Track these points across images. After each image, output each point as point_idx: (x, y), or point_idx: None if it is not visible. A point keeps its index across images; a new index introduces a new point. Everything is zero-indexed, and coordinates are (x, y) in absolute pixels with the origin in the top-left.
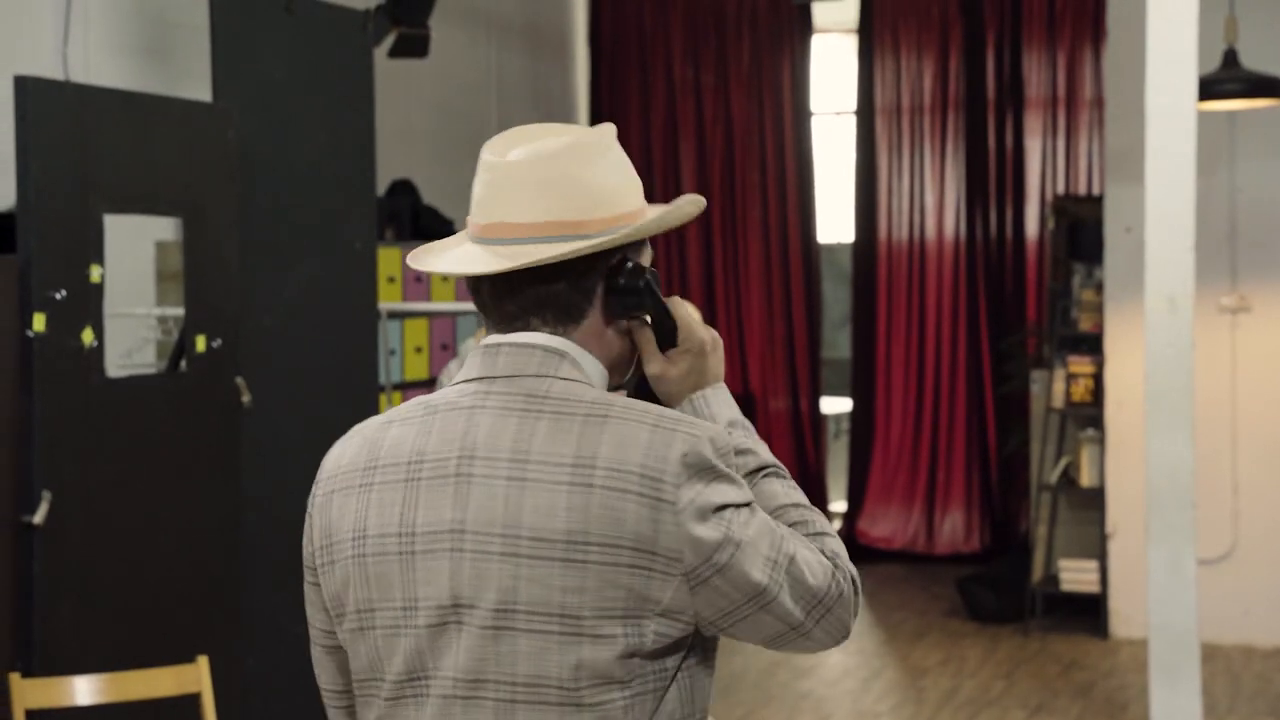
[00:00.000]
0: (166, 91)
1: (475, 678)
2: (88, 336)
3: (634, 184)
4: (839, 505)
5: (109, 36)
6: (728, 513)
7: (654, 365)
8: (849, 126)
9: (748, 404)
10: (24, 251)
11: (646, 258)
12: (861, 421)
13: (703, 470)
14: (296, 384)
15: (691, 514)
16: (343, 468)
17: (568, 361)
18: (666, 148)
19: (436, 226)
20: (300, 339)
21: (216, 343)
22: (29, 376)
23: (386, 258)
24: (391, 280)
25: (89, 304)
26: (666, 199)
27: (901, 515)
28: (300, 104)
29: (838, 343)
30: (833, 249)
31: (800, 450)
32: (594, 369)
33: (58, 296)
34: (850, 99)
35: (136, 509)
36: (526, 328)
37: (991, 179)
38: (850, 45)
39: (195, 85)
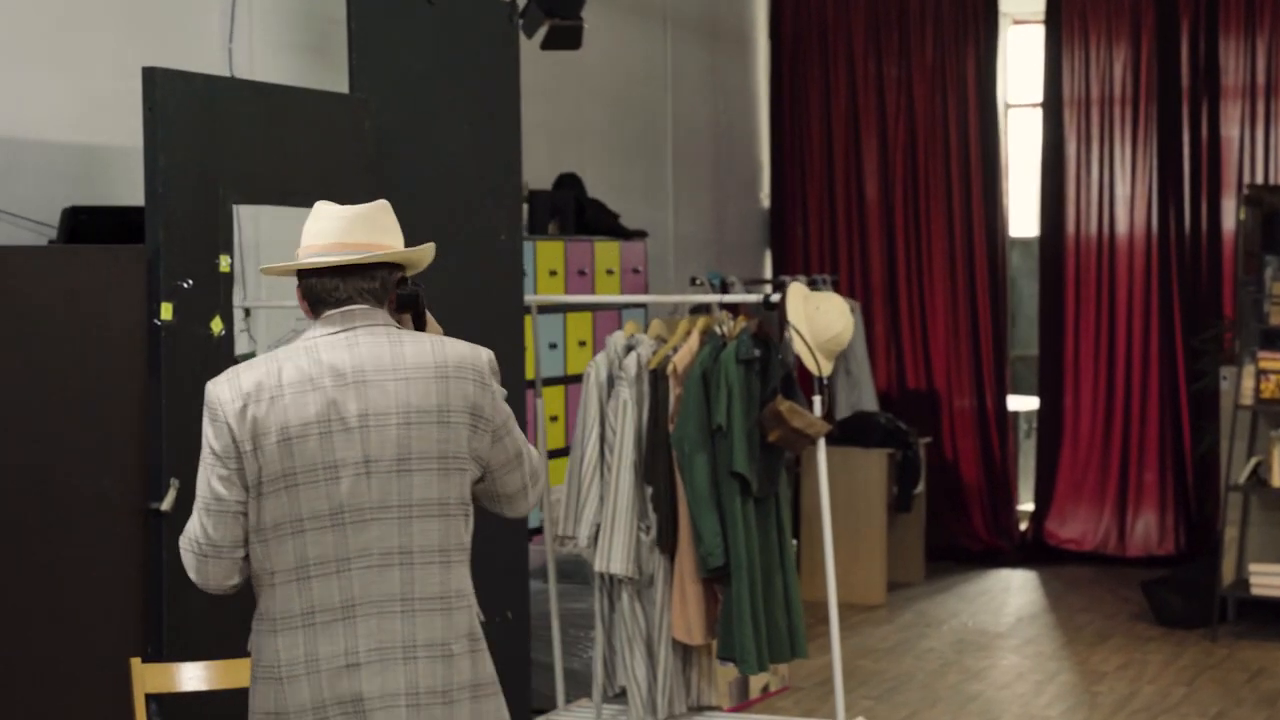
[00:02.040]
0: (330, 87)
1: (382, 504)
2: (217, 325)
3: (400, 234)
4: (1027, 505)
5: (273, 33)
6: (506, 406)
7: None
8: (1037, 118)
9: (932, 402)
10: (152, 241)
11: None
12: (1049, 420)
13: (496, 371)
14: None
15: (498, 394)
16: (248, 391)
17: (392, 324)
18: (848, 142)
19: (602, 219)
20: (443, 332)
21: None
22: (156, 365)
23: (548, 251)
24: (553, 274)
25: (218, 293)
26: (847, 194)
27: (1091, 516)
28: (443, 96)
29: (1031, 339)
30: (1028, 243)
31: (986, 449)
32: None
33: (185, 286)
34: (1038, 90)
35: None
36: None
37: (1185, 170)
38: (1038, 35)
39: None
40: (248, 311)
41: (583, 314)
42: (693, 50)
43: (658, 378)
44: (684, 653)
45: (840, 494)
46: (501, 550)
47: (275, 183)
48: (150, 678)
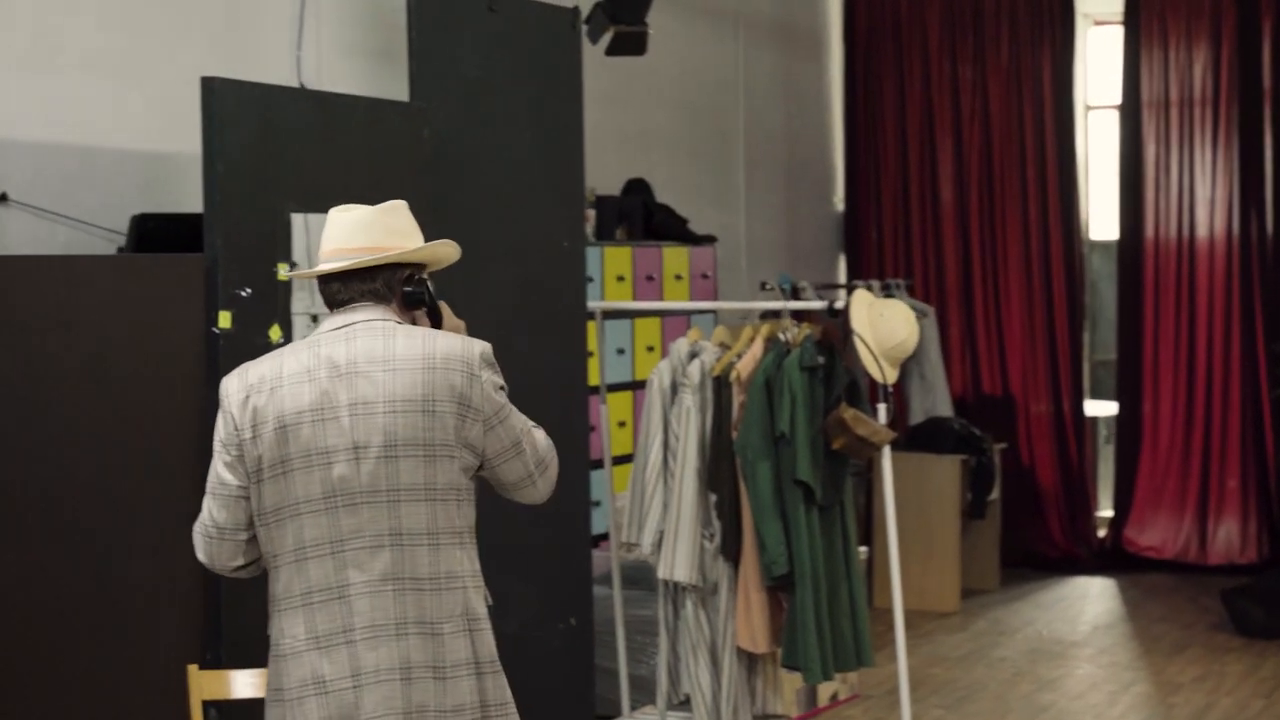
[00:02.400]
0: (396, 93)
1: (372, 489)
2: (275, 333)
3: (416, 232)
4: (1106, 511)
5: (340, 40)
6: (502, 393)
7: None
8: (1115, 120)
9: (1008, 407)
10: (210, 250)
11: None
12: (1128, 425)
13: (489, 363)
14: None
15: (489, 385)
16: (252, 384)
17: (392, 320)
18: (923, 144)
19: (670, 224)
20: (505, 338)
21: None
22: (215, 373)
23: (615, 256)
24: (620, 279)
25: (276, 301)
26: (922, 197)
27: (1171, 523)
28: (504, 102)
29: (1113, 343)
30: (1108, 246)
31: (1063, 454)
32: None
33: (243, 294)
34: (1116, 92)
35: None
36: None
37: (1268, 173)
38: (1116, 36)
39: None
40: (315, 318)
41: (651, 319)
42: (765, 53)
43: (721, 384)
44: (749, 661)
45: (913, 500)
46: (564, 557)
47: (332, 191)
48: (207, 684)
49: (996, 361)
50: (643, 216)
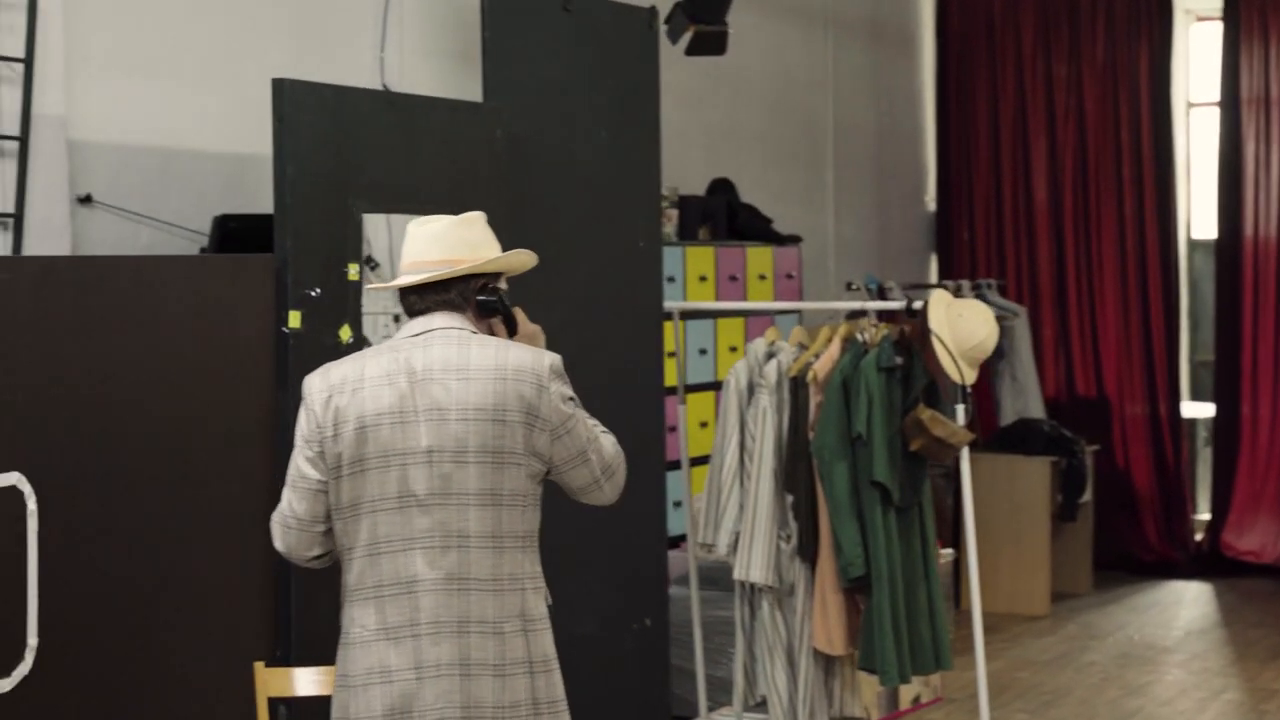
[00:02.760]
0: (477, 96)
1: (444, 492)
2: (345, 333)
3: (492, 243)
4: (1204, 515)
5: (422, 42)
6: (571, 403)
7: None
8: (1215, 118)
9: (1102, 408)
10: (280, 250)
11: (502, 283)
12: (1226, 427)
13: (559, 375)
14: (575, 384)
15: (556, 397)
16: (334, 384)
17: (467, 328)
18: (1015, 142)
19: (754, 225)
20: (580, 339)
21: None
22: (284, 373)
23: (698, 256)
24: (703, 279)
25: (347, 301)
26: (1015, 196)
27: (1271, 527)
28: (580, 103)
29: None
30: (1209, 246)
31: (1159, 457)
32: None
33: (313, 294)
34: (1215, 89)
35: None
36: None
37: None
38: (1216, 32)
39: None
40: (396, 318)
41: (734, 320)
42: (855, 52)
43: (798, 385)
44: (826, 662)
45: (1002, 503)
46: (640, 558)
47: (404, 191)
48: (273, 681)
49: (1091, 362)
50: (727, 216)
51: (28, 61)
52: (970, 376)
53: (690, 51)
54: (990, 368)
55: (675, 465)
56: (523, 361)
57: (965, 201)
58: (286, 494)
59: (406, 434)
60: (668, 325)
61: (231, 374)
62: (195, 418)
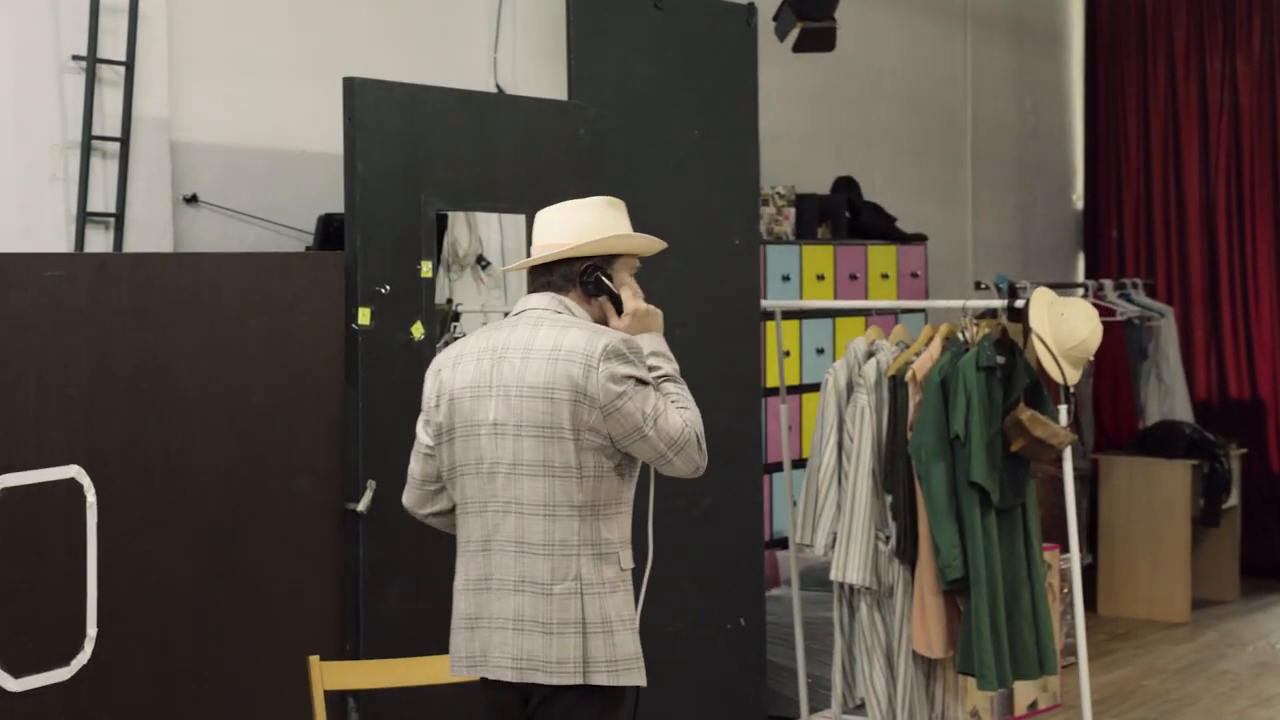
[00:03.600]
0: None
1: (506, 462)
2: (418, 330)
3: (601, 227)
4: None
5: (536, 42)
6: (627, 382)
7: (613, 322)
8: None
9: (1256, 411)
10: (350, 248)
11: (620, 265)
12: None
13: (613, 355)
14: None
15: (604, 376)
16: (446, 358)
17: (565, 309)
18: (1167, 139)
19: (877, 223)
20: (673, 338)
21: None
22: (353, 369)
23: (815, 255)
24: (821, 278)
25: (420, 298)
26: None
27: None
28: (671, 101)
29: None
30: None
31: None
32: (584, 316)
33: (383, 291)
34: None
35: None
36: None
37: None
38: None
39: None
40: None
41: (854, 319)
42: (996, 48)
43: (897, 384)
44: (927, 666)
45: (1140, 507)
46: (736, 558)
47: (480, 189)
48: (339, 675)
49: (1244, 364)
50: (850, 214)
51: (129, 64)
52: (1073, 376)
53: (798, 48)
54: (1134, 369)
55: (776, 467)
56: (576, 343)
57: (1114, 199)
58: (412, 456)
59: (480, 407)
60: (769, 324)
61: (301, 370)
62: (262, 413)
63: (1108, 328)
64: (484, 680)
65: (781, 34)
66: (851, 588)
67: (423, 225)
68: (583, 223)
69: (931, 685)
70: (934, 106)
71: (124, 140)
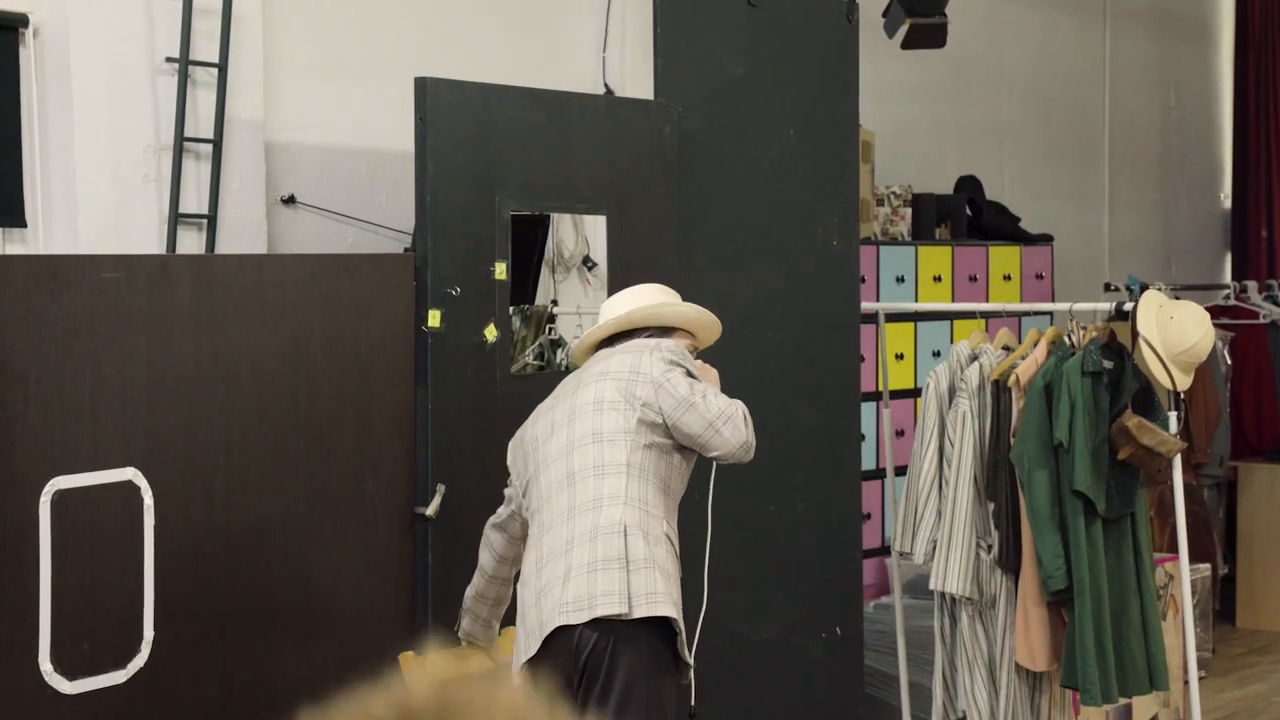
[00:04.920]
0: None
1: (568, 444)
2: (490, 333)
3: (655, 302)
4: None
5: (644, 41)
6: (678, 368)
7: None
8: None
9: None
10: (420, 249)
11: (677, 337)
12: None
13: (667, 349)
14: (760, 388)
15: (659, 358)
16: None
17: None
18: None
19: (999, 223)
20: (768, 342)
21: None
22: (424, 372)
23: (932, 256)
24: (938, 279)
25: (493, 301)
26: None
27: None
28: (764, 100)
29: None
30: None
31: None
32: None
33: (453, 293)
34: None
35: None
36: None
37: None
38: None
39: None
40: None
41: (973, 322)
42: (1137, 42)
43: (1000, 389)
44: (1032, 679)
45: (1278, 515)
46: (831, 565)
47: (557, 190)
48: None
49: None
50: (972, 214)
51: (221, 66)
52: (1183, 382)
53: (906, 45)
54: (1277, 373)
55: (874, 474)
56: (630, 347)
57: (1264, 198)
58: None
59: (544, 421)
60: (866, 328)
61: (369, 372)
62: (330, 415)
63: (1249, 331)
64: (535, 660)
65: (890, 30)
66: (953, 597)
67: (497, 226)
68: (641, 300)
69: (1037, 699)
70: (1068, 102)
71: (217, 142)
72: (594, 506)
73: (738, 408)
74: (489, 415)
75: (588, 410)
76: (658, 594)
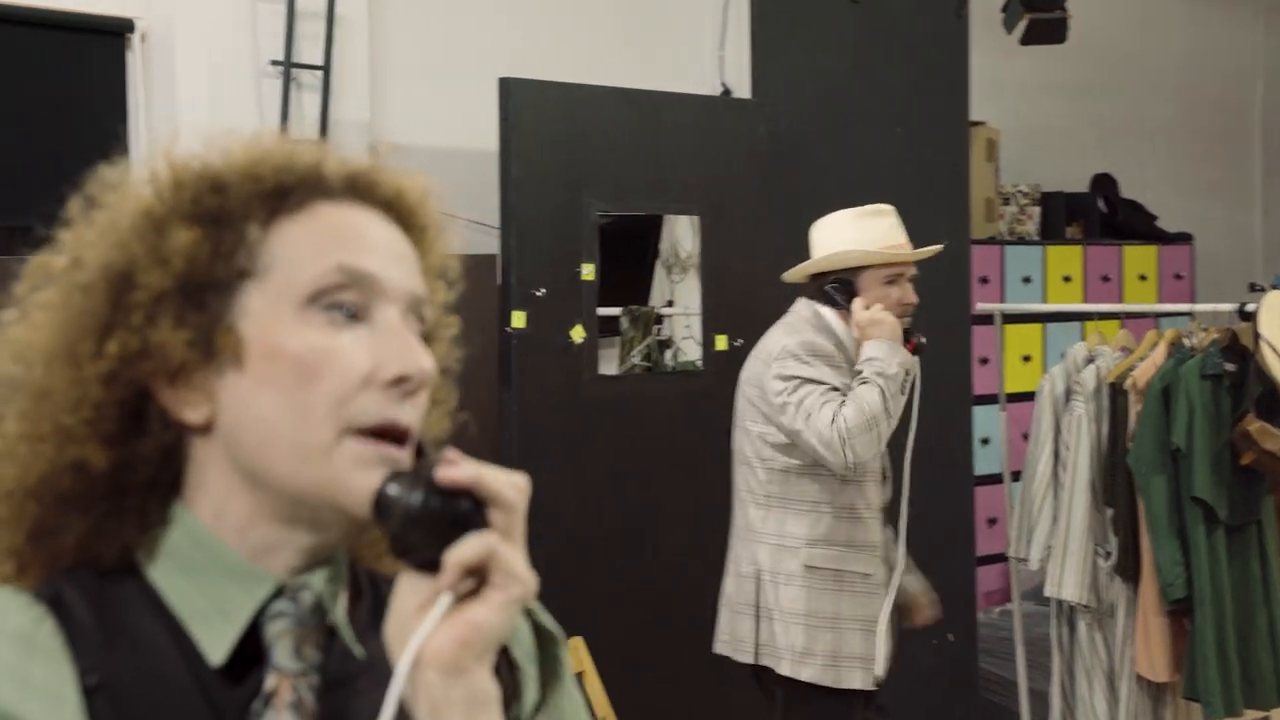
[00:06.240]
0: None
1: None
2: (578, 333)
3: (844, 241)
4: None
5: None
6: (792, 380)
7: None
8: None
9: None
10: (504, 250)
11: (867, 275)
12: None
13: (787, 355)
14: None
15: (774, 374)
16: None
17: (812, 313)
18: None
19: (1134, 222)
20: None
21: (738, 343)
22: (508, 373)
23: (1061, 256)
24: (1067, 280)
25: (580, 302)
26: None
27: None
28: (868, 97)
29: None
30: None
31: None
32: (834, 321)
33: (538, 294)
34: None
35: (624, 504)
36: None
37: None
38: None
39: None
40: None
41: (1108, 324)
42: None
43: (1117, 392)
44: (1154, 690)
45: None
46: (943, 571)
47: (647, 190)
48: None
49: None
50: (1106, 213)
51: (326, 68)
52: None
53: (1026, 41)
54: None
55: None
56: (767, 343)
57: None
58: None
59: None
60: (978, 329)
61: (456, 374)
62: None
63: None
64: None
65: (1010, 25)
66: (1070, 604)
67: (584, 227)
68: (827, 240)
69: (1159, 710)
70: (1219, 98)
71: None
72: (739, 537)
73: (836, 429)
74: (575, 417)
75: (737, 422)
76: (778, 649)
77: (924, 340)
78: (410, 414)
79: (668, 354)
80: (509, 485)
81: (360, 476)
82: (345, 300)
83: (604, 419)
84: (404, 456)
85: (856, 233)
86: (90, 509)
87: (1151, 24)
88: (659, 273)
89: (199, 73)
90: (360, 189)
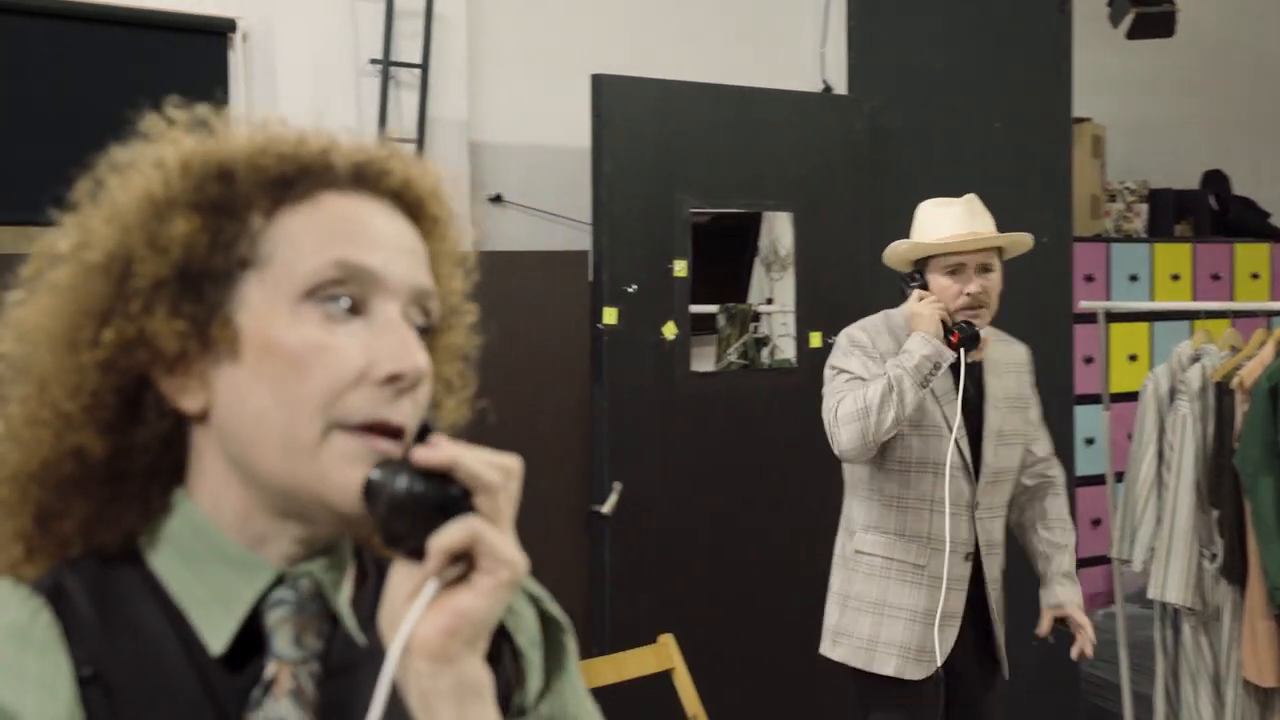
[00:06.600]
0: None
1: None
2: (669, 330)
3: (925, 231)
4: None
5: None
6: (830, 370)
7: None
8: None
9: None
10: (596, 247)
11: (932, 265)
12: None
13: (835, 347)
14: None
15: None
16: None
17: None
18: None
19: (1246, 220)
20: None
21: (832, 340)
22: (599, 369)
23: (1169, 254)
24: (1176, 278)
25: (672, 299)
26: None
27: None
28: (967, 92)
29: None
30: None
31: None
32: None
33: (630, 290)
34: None
35: (716, 501)
36: None
37: None
38: None
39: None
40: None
41: (1218, 322)
42: None
43: (1223, 391)
44: (1261, 695)
45: None
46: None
47: (741, 187)
48: (599, 671)
49: None
50: (1217, 210)
51: (424, 66)
52: None
53: (1132, 35)
54: None
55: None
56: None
57: None
58: None
59: None
60: (1080, 328)
61: (545, 369)
62: (503, 411)
63: None
64: None
65: (1116, 20)
66: (1174, 607)
67: (676, 223)
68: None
69: (1267, 716)
70: None
71: (419, 141)
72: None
73: (836, 418)
74: (666, 413)
75: None
76: (842, 634)
77: (972, 331)
78: (403, 412)
79: (764, 351)
80: (490, 467)
81: (346, 471)
82: (343, 294)
83: (696, 416)
84: (395, 449)
85: (922, 223)
86: (92, 494)
87: (1261, 15)
88: (758, 270)
89: (299, 72)
90: (368, 179)
